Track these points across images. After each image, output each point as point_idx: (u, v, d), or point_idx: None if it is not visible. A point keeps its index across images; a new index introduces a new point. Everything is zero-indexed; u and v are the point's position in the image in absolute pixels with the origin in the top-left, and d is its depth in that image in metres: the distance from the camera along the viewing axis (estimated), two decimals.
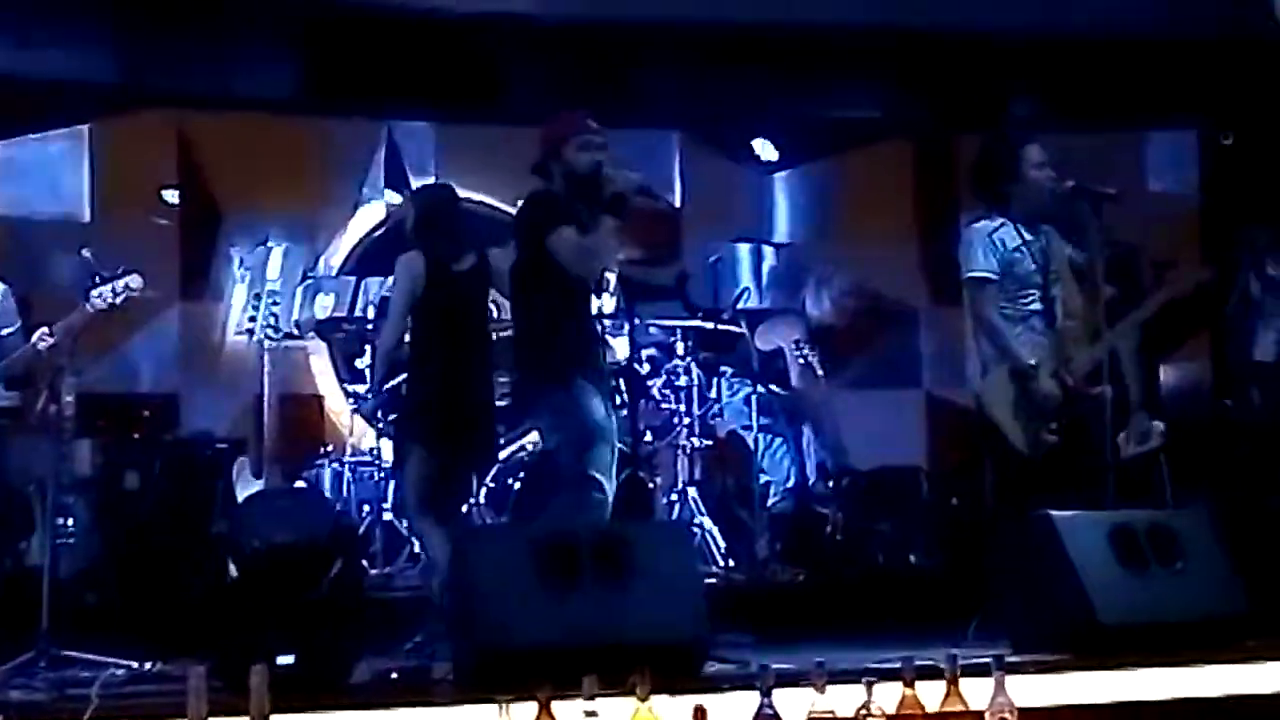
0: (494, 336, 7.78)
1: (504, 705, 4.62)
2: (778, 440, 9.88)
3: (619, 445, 8.68)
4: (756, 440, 9.54)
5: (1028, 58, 10.60)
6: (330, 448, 9.59)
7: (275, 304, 9.43)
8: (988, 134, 7.87)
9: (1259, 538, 6.83)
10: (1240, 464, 8.53)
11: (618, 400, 9.10)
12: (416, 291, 7.44)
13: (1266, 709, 5.68)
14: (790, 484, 9.86)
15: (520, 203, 7.20)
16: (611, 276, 8.74)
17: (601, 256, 6.94)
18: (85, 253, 7.99)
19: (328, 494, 9.00)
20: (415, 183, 10.64)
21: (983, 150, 7.51)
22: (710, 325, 9.50)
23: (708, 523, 8.99)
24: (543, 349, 6.84)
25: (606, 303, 9.86)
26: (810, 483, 9.62)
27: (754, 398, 9.60)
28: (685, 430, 9.35)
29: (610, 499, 6.62)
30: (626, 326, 9.26)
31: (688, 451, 9.36)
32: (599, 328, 7.26)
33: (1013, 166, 7.18)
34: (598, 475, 6.60)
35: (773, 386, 9.62)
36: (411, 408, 7.55)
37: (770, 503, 9.64)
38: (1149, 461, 8.52)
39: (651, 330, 9.49)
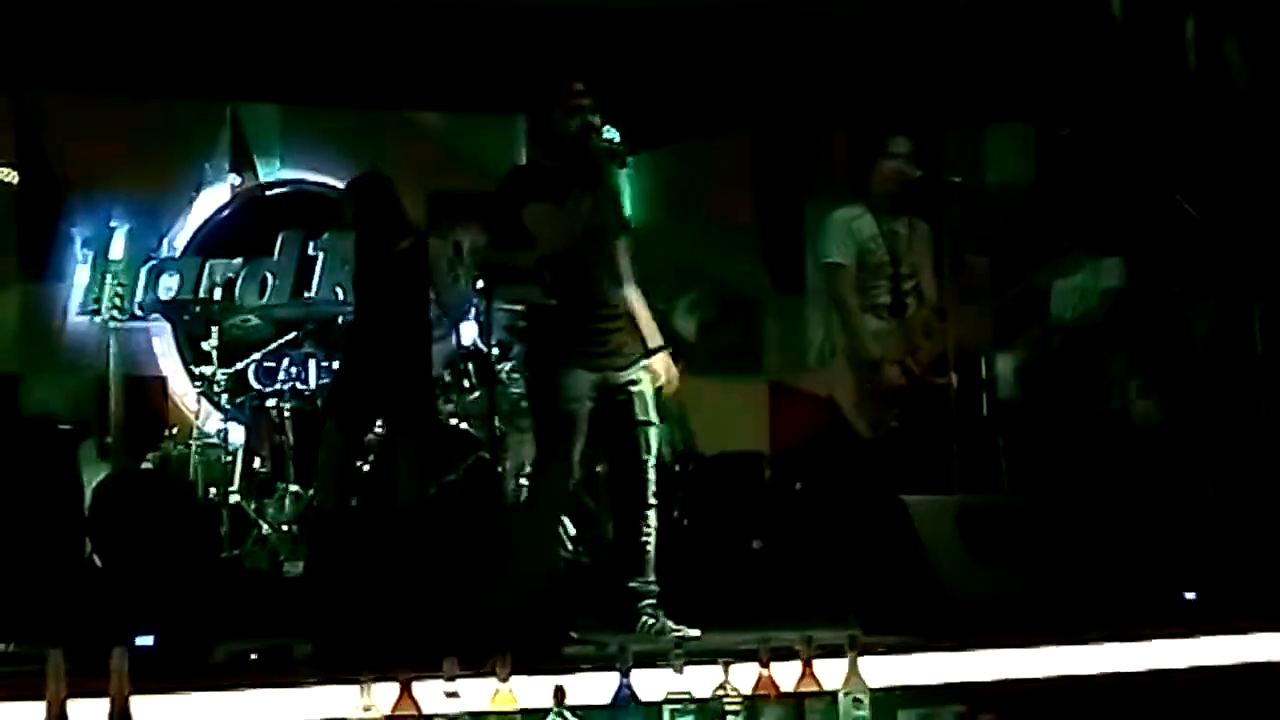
0: None
1: (365, 686, 4.64)
2: None
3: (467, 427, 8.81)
4: None
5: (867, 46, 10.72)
6: (175, 430, 9.50)
7: (120, 285, 9.32)
8: (851, 125, 7.97)
9: (1100, 521, 6.98)
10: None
11: (466, 384, 9.20)
12: None
13: (1104, 688, 5.85)
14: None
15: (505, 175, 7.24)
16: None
17: (572, 231, 6.89)
18: None
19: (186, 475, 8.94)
20: (259, 164, 10.60)
21: (850, 139, 7.65)
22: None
23: None
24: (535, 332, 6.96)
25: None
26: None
27: None
28: None
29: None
30: (472, 311, 9.35)
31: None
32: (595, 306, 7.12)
33: (874, 156, 7.32)
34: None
35: None
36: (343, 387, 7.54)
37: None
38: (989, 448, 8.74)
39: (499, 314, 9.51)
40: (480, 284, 9.00)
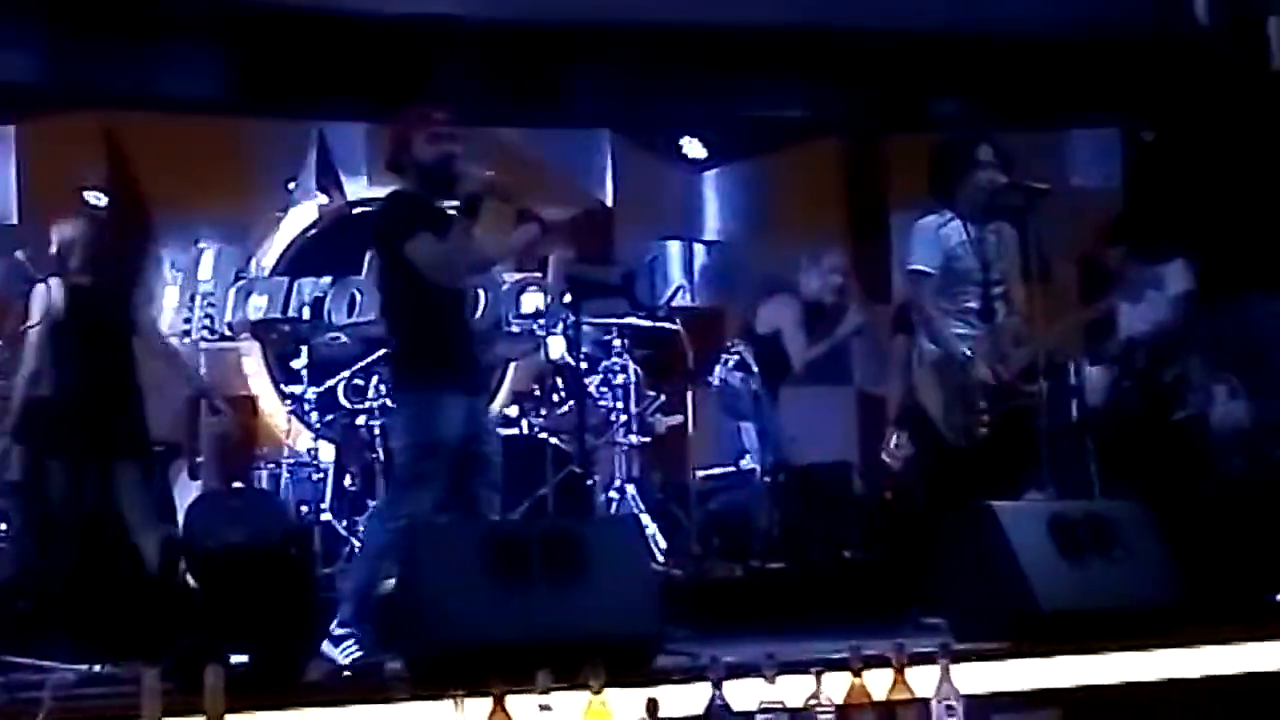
0: None
1: (458, 701, 4.66)
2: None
3: (558, 442, 8.82)
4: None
5: (953, 56, 10.72)
6: (266, 449, 9.58)
7: (210, 305, 9.41)
8: (938, 133, 7.92)
9: (1189, 526, 6.93)
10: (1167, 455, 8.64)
11: (556, 398, 9.24)
12: None
13: (1200, 693, 5.80)
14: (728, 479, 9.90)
15: (380, 203, 7.13)
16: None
17: (462, 262, 6.87)
18: (19, 255, 7.98)
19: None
20: (346, 183, 10.67)
21: (936, 147, 7.61)
22: (647, 323, 9.58)
23: (646, 519, 9.05)
24: (408, 359, 6.83)
25: (538, 301, 9.98)
26: (750, 477, 9.65)
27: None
28: (623, 428, 9.39)
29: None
30: (560, 325, 9.40)
31: (625, 449, 9.41)
32: (470, 336, 7.13)
33: (962, 165, 7.30)
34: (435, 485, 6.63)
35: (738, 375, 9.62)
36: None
37: (707, 499, 9.68)
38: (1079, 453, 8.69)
39: (585, 329, 9.55)
40: (568, 298, 9.09)
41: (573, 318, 8.95)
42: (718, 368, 9.61)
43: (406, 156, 6.82)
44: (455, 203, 6.71)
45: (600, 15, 10.26)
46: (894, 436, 8.52)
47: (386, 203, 7.02)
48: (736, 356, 9.48)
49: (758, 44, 10.68)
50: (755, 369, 9.40)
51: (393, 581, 6.20)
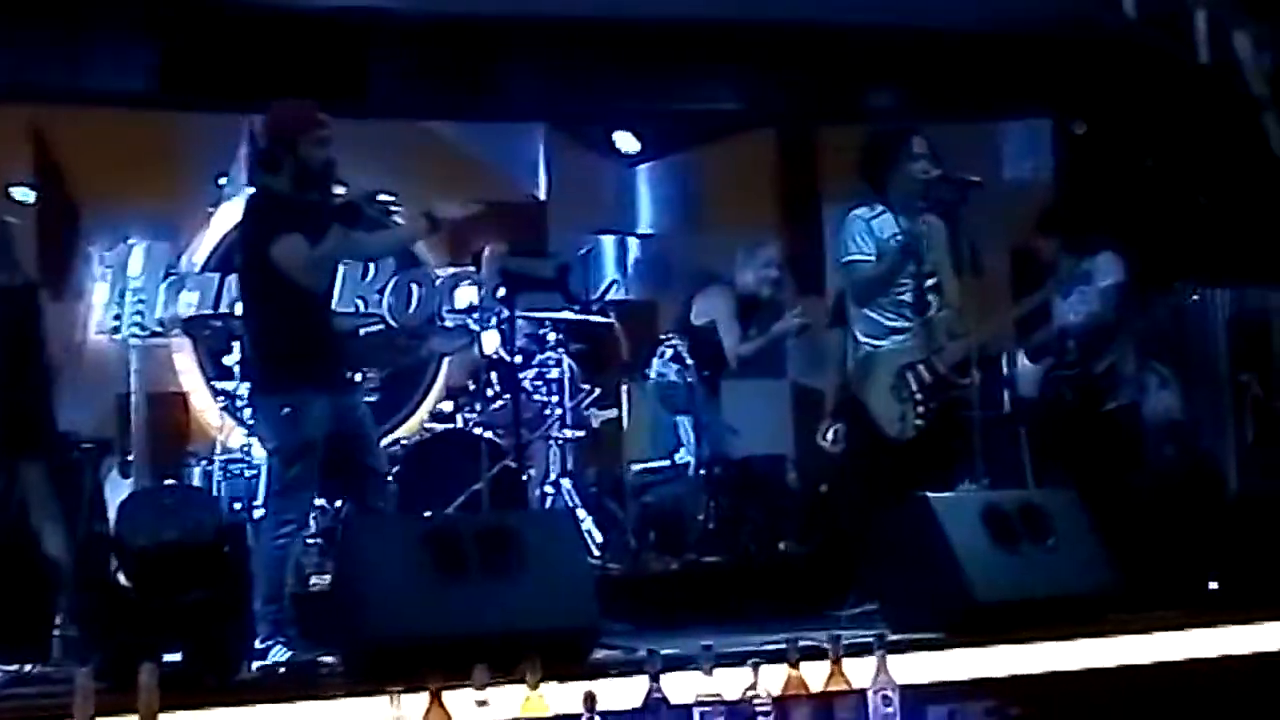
0: None
1: (394, 696, 4.64)
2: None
3: (492, 437, 8.79)
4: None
5: (887, 49, 10.75)
6: (198, 446, 9.51)
7: (140, 302, 9.32)
8: (871, 125, 7.93)
9: (1122, 515, 6.99)
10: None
11: (490, 393, 9.21)
12: None
13: (1136, 680, 5.85)
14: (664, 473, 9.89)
15: (245, 202, 7.03)
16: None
17: (330, 267, 6.82)
18: None
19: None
20: None
21: (869, 138, 7.62)
22: (581, 316, 9.57)
23: (582, 513, 9.04)
24: (269, 361, 6.77)
25: (471, 295, 9.94)
26: (686, 470, 9.65)
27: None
28: (558, 422, 9.38)
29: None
30: (494, 319, 9.37)
31: (560, 443, 9.40)
32: (333, 337, 7.09)
33: (895, 157, 7.32)
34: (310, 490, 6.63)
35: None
36: None
37: (643, 492, 9.68)
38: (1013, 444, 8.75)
39: (520, 323, 9.54)
40: (502, 292, 9.06)
41: (507, 312, 8.92)
42: (655, 361, 9.61)
43: (284, 154, 6.69)
44: (327, 202, 6.65)
45: (534, 9, 10.23)
46: (829, 429, 8.54)
47: (254, 202, 6.87)
48: (672, 349, 9.47)
49: (691, 37, 10.67)
50: (690, 362, 9.38)
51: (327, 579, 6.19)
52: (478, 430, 9.04)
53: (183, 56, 10.33)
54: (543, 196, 11.20)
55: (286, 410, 6.48)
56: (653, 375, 9.60)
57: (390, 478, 8.43)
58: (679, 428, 9.73)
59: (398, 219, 7.52)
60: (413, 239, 7.98)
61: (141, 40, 10.29)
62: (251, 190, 6.92)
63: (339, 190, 6.70)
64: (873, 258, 7.22)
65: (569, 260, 10.02)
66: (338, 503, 8.18)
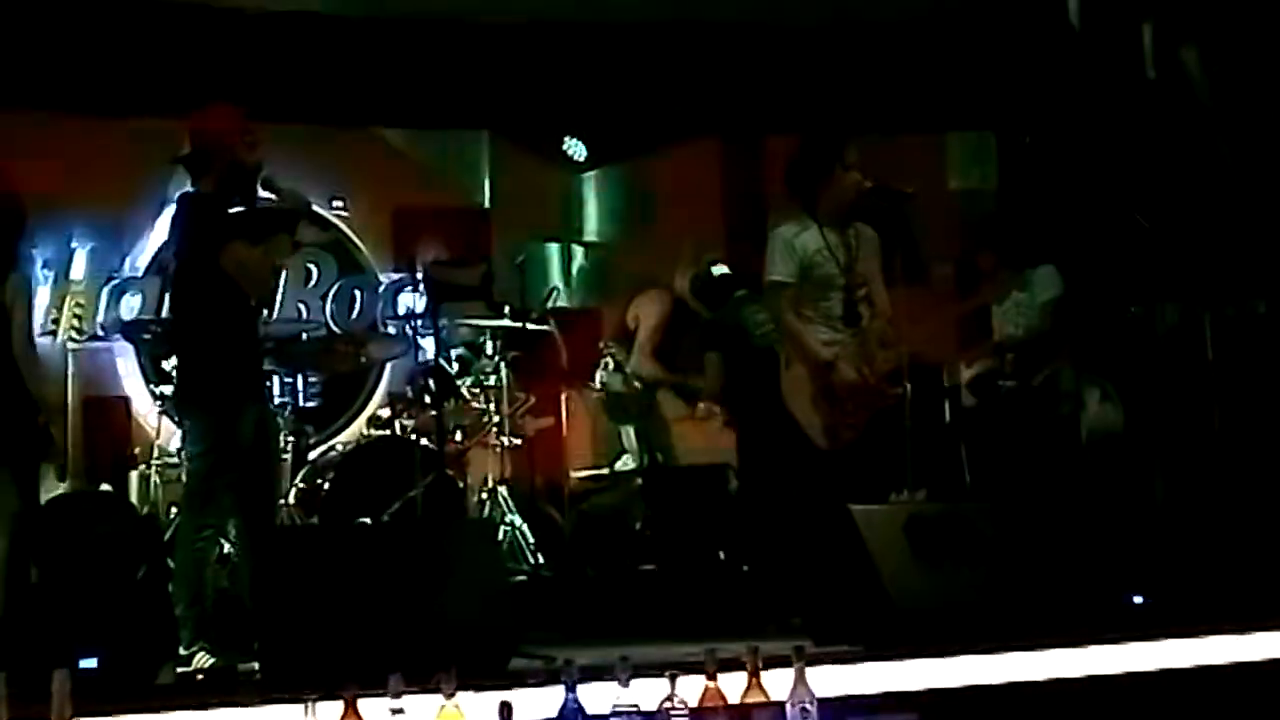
0: None
1: (310, 704, 4.64)
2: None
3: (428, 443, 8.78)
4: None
5: (833, 57, 10.76)
6: (138, 450, 9.49)
7: (79, 305, 9.28)
8: (805, 133, 7.91)
9: (1049, 528, 7.01)
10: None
11: (427, 399, 9.20)
12: None
13: (1057, 695, 5.87)
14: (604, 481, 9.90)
15: (174, 204, 6.99)
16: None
17: (275, 274, 6.82)
18: None
19: (135, 496, 8.91)
20: None
21: (799, 149, 7.59)
22: (519, 325, 9.57)
23: (518, 520, 9.04)
24: (195, 366, 6.76)
25: (416, 301, 9.94)
26: (626, 478, 9.66)
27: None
28: (495, 430, 9.38)
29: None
30: (433, 326, 9.35)
31: (498, 450, 9.40)
32: (260, 345, 7.15)
33: (828, 166, 7.31)
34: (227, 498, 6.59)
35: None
36: None
37: (581, 500, 9.68)
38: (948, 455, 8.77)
39: (463, 330, 9.55)
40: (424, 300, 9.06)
41: (444, 319, 8.93)
42: (599, 372, 9.62)
43: (210, 159, 6.70)
44: (256, 206, 6.64)
45: (479, 13, 10.23)
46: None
47: (187, 206, 6.84)
48: (612, 359, 9.49)
49: (638, 43, 10.67)
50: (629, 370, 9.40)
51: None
52: (414, 437, 9.03)
53: (128, 59, 10.29)
54: (486, 204, 11.20)
55: (210, 416, 6.46)
56: (596, 384, 9.62)
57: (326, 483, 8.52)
58: (621, 436, 9.75)
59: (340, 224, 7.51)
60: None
61: (88, 41, 10.24)
62: (179, 194, 6.89)
63: (268, 195, 6.67)
64: (792, 279, 7.22)
65: (495, 269, 10.04)
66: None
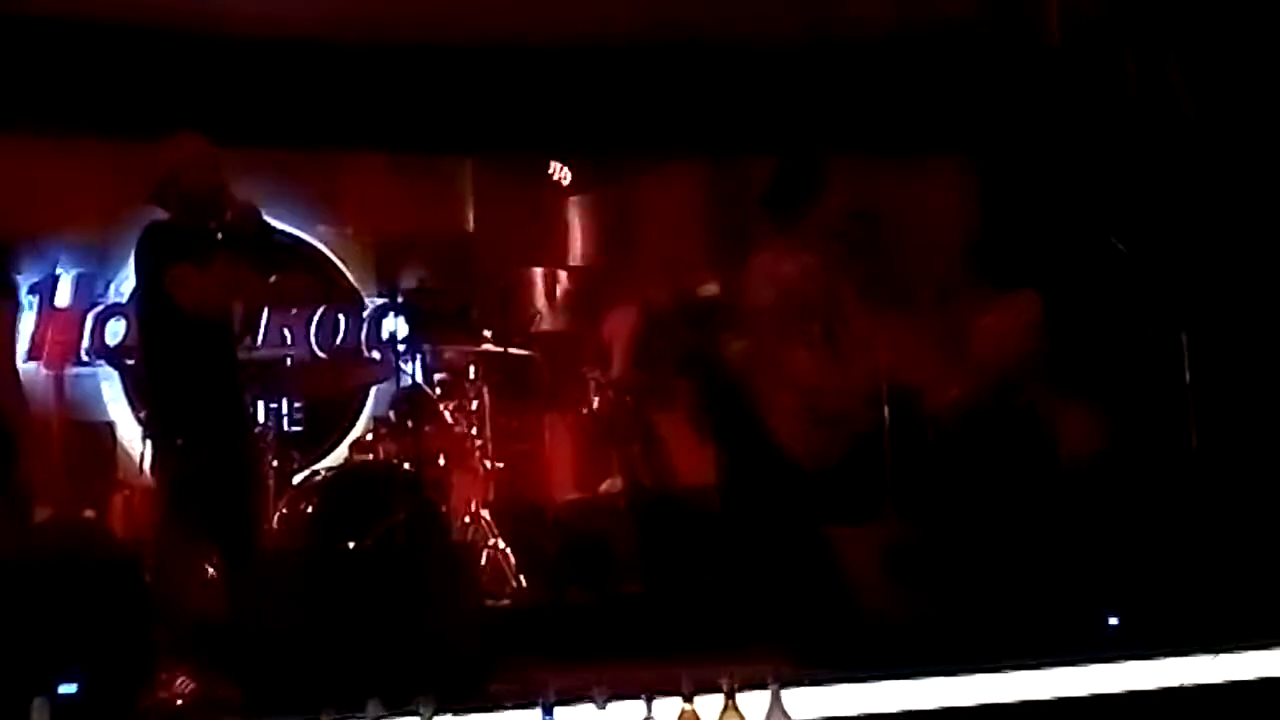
0: None
1: None
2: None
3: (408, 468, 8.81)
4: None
5: (812, 81, 10.81)
6: (123, 475, 9.50)
7: (66, 331, 9.32)
8: (786, 155, 7.94)
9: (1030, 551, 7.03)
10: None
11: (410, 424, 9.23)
12: None
13: (1029, 716, 5.89)
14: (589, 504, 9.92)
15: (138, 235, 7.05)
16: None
17: (226, 295, 6.84)
18: None
19: (120, 521, 8.92)
20: None
21: (778, 172, 7.62)
22: (501, 349, 9.61)
23: (501, 543, 9.06)
24: (164, 393, 6.80)
25: (399, 326, 9.97)
26: (612, 501, 9.68)
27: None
28: (478, 454, 9.40)
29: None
30: (417, 351, 9.39)
31: (481, 475, 9.43)
32: (231, 370, 7.16)
33: (807, 190, 7.34)
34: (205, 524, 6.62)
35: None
36: None
37: (566, 523, 9.70)
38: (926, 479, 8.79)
39: (447, 355, 9.59)
40: (411, 327, 9.11)
41: (429, 344, 8.97)
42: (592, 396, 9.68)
43: (170, 185, 6.78)
44: (217, 231, 6.69)
45: (462, 38, 10.27)
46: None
47: (146, 235, 6.90)
48: (594, 382, 9.54)
49: (622, 67, 10.72)
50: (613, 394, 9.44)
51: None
52: (397, 461, 9.06)
53: (112, 85, 10.32)
54: (470, 228, 11.24)
55: (186, 442, 6.50)
56: (585, 411, 9.67)
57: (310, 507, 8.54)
58: (607, 458, 9.77)
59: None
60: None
61: (73, 68, 10.27)
62: (145, 224, 6.96)
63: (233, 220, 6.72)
64: (776, 299, 7.26)
65: (482, 294, 10.09)
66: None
